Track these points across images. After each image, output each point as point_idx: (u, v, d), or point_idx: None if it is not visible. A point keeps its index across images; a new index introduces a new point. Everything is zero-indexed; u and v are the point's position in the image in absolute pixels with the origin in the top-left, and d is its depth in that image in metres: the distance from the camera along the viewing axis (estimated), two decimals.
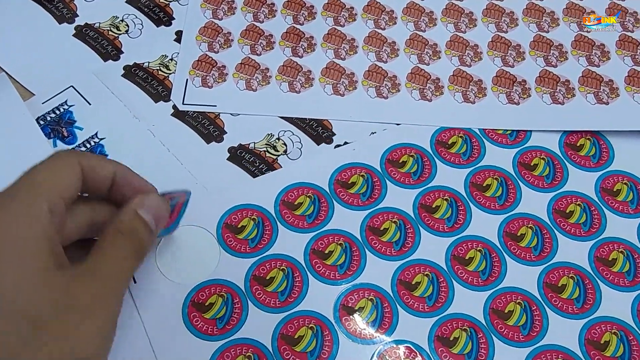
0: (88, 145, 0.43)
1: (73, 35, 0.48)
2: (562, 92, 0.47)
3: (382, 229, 0.42)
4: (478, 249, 0.41)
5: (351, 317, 0.38)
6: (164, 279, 0.39)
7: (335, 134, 0.45)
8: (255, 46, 0.48)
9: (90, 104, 0.45)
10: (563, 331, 0.39)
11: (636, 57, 0.48)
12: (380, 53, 0.49)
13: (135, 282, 0.38)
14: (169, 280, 0.39)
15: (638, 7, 0.51)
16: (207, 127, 0.45)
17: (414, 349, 0.38)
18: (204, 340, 0.37)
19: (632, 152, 0.46)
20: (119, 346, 0.36)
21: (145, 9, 0.50)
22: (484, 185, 0.44)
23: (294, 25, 0.50)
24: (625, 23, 0.50)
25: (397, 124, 0.46)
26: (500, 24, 0.50)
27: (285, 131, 0.45)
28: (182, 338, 0.37)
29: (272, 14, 0.51)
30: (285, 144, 0.44)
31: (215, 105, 0.45)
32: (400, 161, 0.44)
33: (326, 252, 0.41)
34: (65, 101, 0.45)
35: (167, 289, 0.38)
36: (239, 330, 0.38)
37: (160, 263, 0.39)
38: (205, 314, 0.38)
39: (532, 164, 0.45)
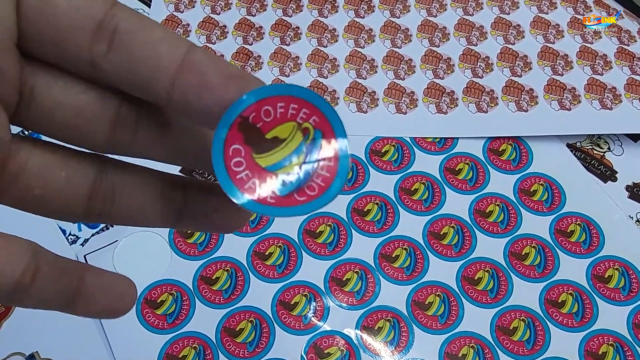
0: None
1: None
2: (486, 102, 0.51)
3: (317, 232, 0.46)
4: (404, 247, 0.46)
5: (287, 311, 0.43)
6: None
7: None
8: None
9: None
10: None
11: (555, 66, 0.53)
12: (322, 70, 0.53)
13: None
14: None
15: (559, 20, 0.55)
16: None
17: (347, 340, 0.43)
18: (155, 333, 0.42)
19: (549, 155, 0.50)
20: (76, 339, 0.41)
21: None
22: (412, 189, 0.49)
23: (244, 45, 0.55)
24: (547, 35, 0.54)
25: None
26: (433, 39, 0.55)
27: None
28: (136, 332, 0.42)
29: (223, 36, 0.55)
30: None
31: None
32: None
33: (266, 253, 0.45)
34: None
35: None
36: (187, 325, 0.43)
37: (117, 264, 0.44)
38: (157, 310, 0.43)
39: (457, 169, 0.49)
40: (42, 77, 0.19)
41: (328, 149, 0.19)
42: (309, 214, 0.20)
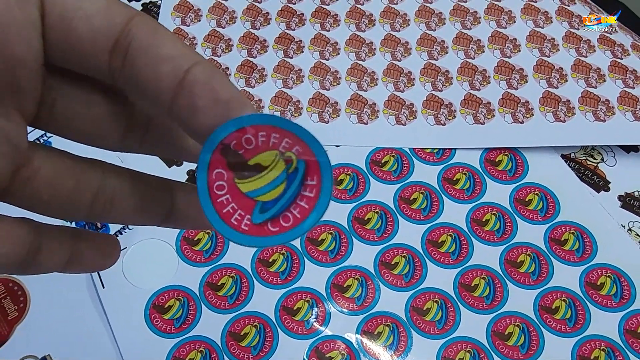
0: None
1: None
2: (483, 113, 0.53)
3: (319, 239, 0.48)
4: (403, 255, 0.48)
5: (290, 316, 0.45)
6: (129, 285, 0.45)
7: None
8: None
9: None
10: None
11: (550, 79, 0.54)
12: (324, 82, 0.55)
13: (104, 287, 0.45)
14: (133, 286, 0.45)
15: (554, 34, 0.57)
16: None
17: (348, 344, 0.44)
18: (162, 337, 0.44)
19: (544, 166, 0.52)
20: (86, 343, 0.43)
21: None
22: (411, 198, 0.50)
23: (248, 58, 0.56)
24: (542, 49, 0.56)
25: (337, 146, 0.52)
26: (432, 52, 0.56)
27: None
28: (144, 336, 0.44)
29: (228, 49, 0.57)
30: None
31: None
32: (339, 179, 0.51)
33: (270, 260, 0.47)
34: None
35: (132, 294, 0.45)
36: (193, 329, 0.44)
37: (126, 271, 0.46)
38: (164, 315, 0.45)
39: (454, 179, 0.51)
40: (63, 90, 0.21)
41: (310, 179, 0.20)
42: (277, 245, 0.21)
